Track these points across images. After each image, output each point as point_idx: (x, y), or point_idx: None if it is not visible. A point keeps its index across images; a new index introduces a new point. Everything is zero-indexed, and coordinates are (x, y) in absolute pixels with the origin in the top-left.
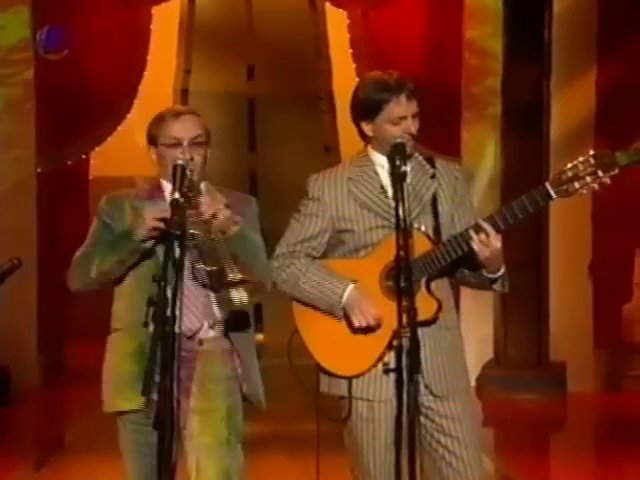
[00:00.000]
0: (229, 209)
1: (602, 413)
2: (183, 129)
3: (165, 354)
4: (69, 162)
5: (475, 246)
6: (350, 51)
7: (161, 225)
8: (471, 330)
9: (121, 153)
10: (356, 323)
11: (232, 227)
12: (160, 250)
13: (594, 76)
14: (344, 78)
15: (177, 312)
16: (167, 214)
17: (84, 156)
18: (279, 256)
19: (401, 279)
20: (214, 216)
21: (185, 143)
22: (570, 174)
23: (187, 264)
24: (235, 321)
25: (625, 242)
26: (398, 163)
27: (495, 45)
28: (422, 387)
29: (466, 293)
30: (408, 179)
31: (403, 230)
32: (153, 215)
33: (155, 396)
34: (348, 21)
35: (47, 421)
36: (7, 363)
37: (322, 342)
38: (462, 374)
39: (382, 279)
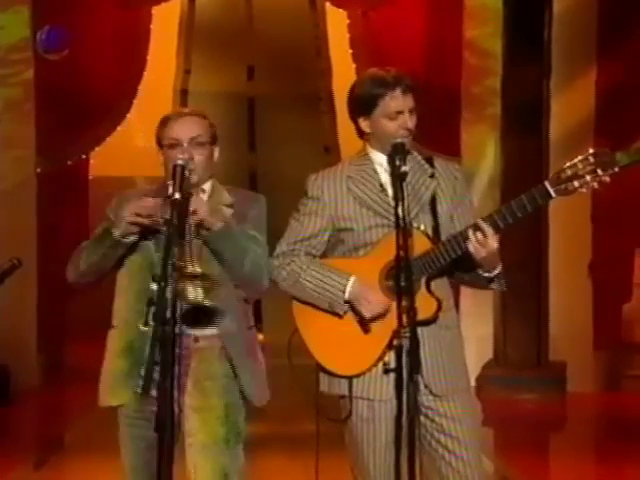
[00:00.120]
0: (231, 208)
1: (602, 413)
2: (182, 130)
3: (165, 354)
4: (69, 162)
5: (471, 246)
6: (350, 51)
7: (139, 220)
8: (471, 330)
9: (121, 153)
10: (367, 314)
11: (216, 224)
12: (152, 246)
13: (594, 76)
14: (344, 78)
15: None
16: (145, 210)
17: (84, 156)
18: (279, 255)
19: (401, 279)
20: (194, 212)
21: (185, 143)
22: (569, 173)
23: None
24: (193, 316)
25: (625, 242)
26: (398, 163)
27: (495, 45)
28: (422, 386)
29: (466, 293)
30: (407, 178)
31: (403, 230)
32: (132, 210)
33: (153, 392)
34: (348, 21)
35: (47, 421)
36: (7, 363)
37: (322, 342)
38: (462, 373)
39: (382, 278)
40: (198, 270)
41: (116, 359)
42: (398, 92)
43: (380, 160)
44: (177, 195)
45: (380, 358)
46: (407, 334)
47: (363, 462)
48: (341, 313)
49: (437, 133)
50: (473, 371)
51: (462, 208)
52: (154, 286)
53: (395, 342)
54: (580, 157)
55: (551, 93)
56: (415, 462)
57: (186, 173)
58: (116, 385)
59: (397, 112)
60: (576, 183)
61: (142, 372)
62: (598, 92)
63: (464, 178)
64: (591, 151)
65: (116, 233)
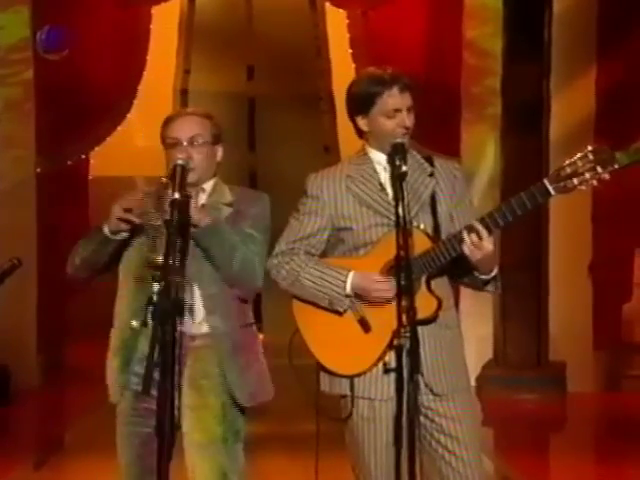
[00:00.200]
0: (231, 207)
1: (602, 413)
2: (180, 129)
3: (165, 354)
4: (69, 162)
5: (466, 249)
6: (350, 51)
7: (126, 216)
8: (471, 330)
9: (121, 153)
10: (381, 298)
11: (203, 220)
12: (145, 245)
13: (594, 76)
14: (344, 78)
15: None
16: (133, 204)
17: (84, 156)
18: (278, 254)
19: (401, 278)
20: None
21: (184, 143)
22: (569, 170)
23: None
24: (160, 310)
25: (625, 242)
26: (398, 163)
27: (495, 45)
28: (422, 386)
29: (466, 293)
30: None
31: (403, 230)
32: (121, 206)
33: (137, 386)
34: (348, 21)
35: (47, 421)
36: (7, 363)
37: (323, 341)
38: (462, 373)
39: None
40: (160, 261)
41: (113, 358)
42: (395, 90)
43: (379, 159)
44: (177, 195)
45: (381, 358)
46: (407, 334)
47: (364, 462)
48: (341, 310)
49: (437, 133)
50: (473, 371)
51: (462, 207)
52: (155, 286)
53: (395, 342)
54: (579, 154)
55: (551, 93)
56: (415, 462)
57: (185, 173)
58: (112, 383)
59: (395, 110)
60: (575, 181)
61: (135, 369)
62: (598, 92)
63: (464, 177)
64: (590, 148)
65: (105, 229)
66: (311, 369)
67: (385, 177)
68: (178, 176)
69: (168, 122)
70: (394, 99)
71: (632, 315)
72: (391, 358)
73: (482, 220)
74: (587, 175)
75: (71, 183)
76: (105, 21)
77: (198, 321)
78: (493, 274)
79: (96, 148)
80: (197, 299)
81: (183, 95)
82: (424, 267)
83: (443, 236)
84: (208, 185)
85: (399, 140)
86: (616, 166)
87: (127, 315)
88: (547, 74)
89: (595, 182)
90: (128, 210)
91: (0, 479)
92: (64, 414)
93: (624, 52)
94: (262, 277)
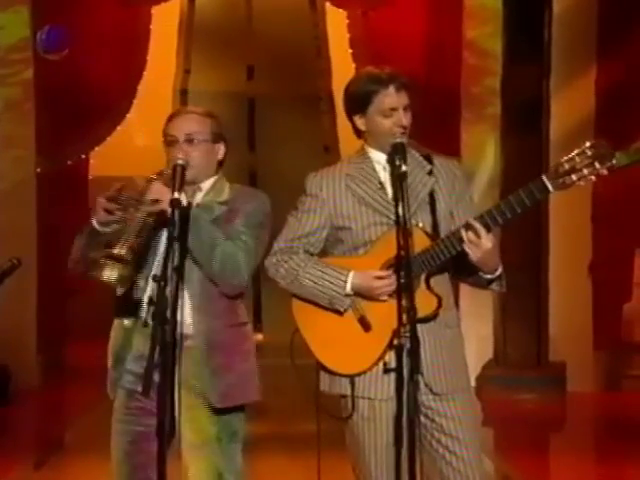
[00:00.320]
0: (225, 205)
1: (602, 413)
2: (178, 127)
3: (165, 355)
4: (69, 162)
5: (466, 247)
6: (350, 51)
7: (109, 205)
8: (471, 330)
9: (121, 153)
10: (383, 293)
11: (156, 205)
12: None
13: (594, 76)
14: (344, 78)
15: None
16: (115, 194)
17: (84, 156)
18: (276, 252)
19: (401, 277)
20: (156, 202)
21: (181, 140)
22: (567, 166)
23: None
24: (122, 305)
25: (625, 242)
26: (398, 163)
27: (495, 45)
28: (422, 386)
29: (466, 293)
30: None
31: (403, 230)
32: (105, 197)
33: (131, 385)
34: (348, 21)
35: (46, 421)
36: (7, 362)
37: (323, 340)
38: (462, 373)
39: None
40: (122, 253)
41: (110, 357)
42: (392, 89)
43: (378, 158)
44: (177, 194)
45: (381, 357)
46: (407, 334)
47: (364, 462)
48: (341, 309)
49: (437, 133)
50: (473, 371)
51: (462, 205)
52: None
53: (396, 342)
54: (577, 150)
55: (551, 93)
56: (415, 462)
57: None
58: (109, 382)
59: (391, 109)
60: (574, 177)
61: (128, 367)
62: (598, 92)
63: (464, 175)
64: (588, 144)
65: (94, 222)
66: (310, 368)
67: (385, 176)
68: (178, 176)
69: (168, 120)
70: (390, 98)
71: (632, 315)
72: (391, 358)
73: (480, 218)
74: (585, 171)
75: (71, 183)
76: (105, 21)
77: (189, 322)
78: (498, 273)
79: (96, 148)
80: (185, 299)
81: (183, 95)
82: (423, 265)
83: (442, 234)
84: (207, 183)
85: (399, 140)
86: (614, 161)
87: (120, 313)
88: (547, 74)
89: (594, 178)
90: (111, 200)
91: (0, 479)
92: (64, 414)
93: (624, 52)
94: (248, 274)
